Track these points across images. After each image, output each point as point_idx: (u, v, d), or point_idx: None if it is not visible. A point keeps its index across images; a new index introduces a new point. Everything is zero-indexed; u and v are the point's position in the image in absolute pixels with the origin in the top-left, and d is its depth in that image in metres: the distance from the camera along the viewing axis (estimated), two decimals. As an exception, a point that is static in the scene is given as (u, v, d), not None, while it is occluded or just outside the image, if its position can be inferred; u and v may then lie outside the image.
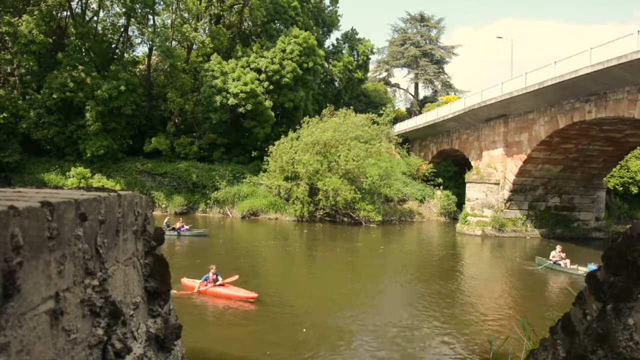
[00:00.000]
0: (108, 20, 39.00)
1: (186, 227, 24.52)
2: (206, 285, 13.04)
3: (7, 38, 34.09)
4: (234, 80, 35.58)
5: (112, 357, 1.71)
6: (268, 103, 36.42)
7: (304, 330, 10.57)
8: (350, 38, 50.02)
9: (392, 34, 64.59)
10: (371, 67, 56.21)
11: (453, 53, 61.37)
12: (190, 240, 23.15)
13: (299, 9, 41.14)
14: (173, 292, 12.99)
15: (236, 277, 13.80)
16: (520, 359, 5.19)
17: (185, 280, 13.62)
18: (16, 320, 1.13)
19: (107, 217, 1.72)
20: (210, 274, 13.22)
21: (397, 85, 63.77)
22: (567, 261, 18.71)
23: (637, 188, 37.34)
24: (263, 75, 36.70)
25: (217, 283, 13.12)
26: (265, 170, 35.28)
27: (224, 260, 17.39)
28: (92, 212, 1.57)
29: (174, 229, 24.10)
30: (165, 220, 25.48)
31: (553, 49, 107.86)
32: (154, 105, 39.03)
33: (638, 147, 33.17)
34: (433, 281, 16.44)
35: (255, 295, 12.49)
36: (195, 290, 13.02)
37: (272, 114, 36.86)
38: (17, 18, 33.41)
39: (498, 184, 29.16)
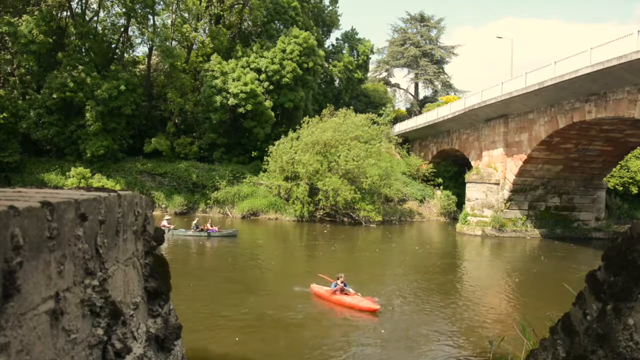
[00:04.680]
0: (108, 20, 39.03)
1: (215, 228, 24.48)
2: (334, 293, 12.56)
3: (7, 38, 34.09)
4: (234, 80, 35.58)
5: (112, 357, 1.71)
6: (268, 103, 36.42)
7: (382, 331, 10.55)
8: (350, 38, 50.05)
9: (392, 34, 64.59)
10: (371, 67, 56.29)
11: (453, 53, 61.41)
12: (220, 241, 22.97)
13: (299, 9, 41.16)
14: (313, 286, 13.18)
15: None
16: (520, 359, 5.19)
17: (314, 287, 13.35)
18: (16, 320, 1.12)
19: (107, 217, 1.72)
20: (339, 282, 12.68)
21: (397, 85, 63.76)
22: None
23: (637, 188, 37.33)
24: (263, 75, 36.70)
25: (344, 292, 12.61)
26: (265, 170, 35.28)
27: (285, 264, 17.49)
28: (92, 212, 1.57)
29: (202, 229, 24.04)
30: (194, 222, 25.34)
31: (553, 49, 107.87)
32: (153, 105, 39.00)
33: (638, 147, 33.15)
34: (433, 281, 16.43)
35: (378, 307, 11.92)
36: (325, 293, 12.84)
37: (272, 114, 36.86)
38: (17, 18, 33.40)
39: (498, 184, 29.15)
